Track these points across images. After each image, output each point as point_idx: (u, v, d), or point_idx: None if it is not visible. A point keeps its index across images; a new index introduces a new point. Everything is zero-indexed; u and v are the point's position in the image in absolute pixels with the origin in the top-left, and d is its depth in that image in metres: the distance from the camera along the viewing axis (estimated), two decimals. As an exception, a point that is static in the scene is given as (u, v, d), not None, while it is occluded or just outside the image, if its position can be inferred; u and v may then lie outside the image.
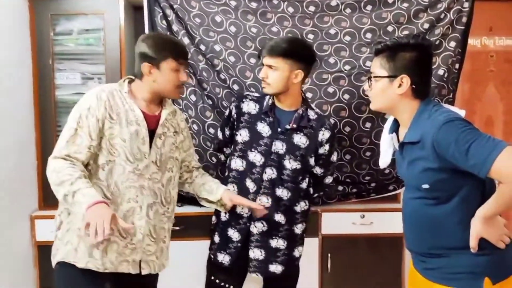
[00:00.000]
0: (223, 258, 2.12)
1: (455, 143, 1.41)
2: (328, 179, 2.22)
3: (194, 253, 2.58)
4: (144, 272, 1.85)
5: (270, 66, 1.97)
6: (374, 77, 1.60)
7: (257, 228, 2.06)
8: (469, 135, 1.41)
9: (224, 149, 2.25)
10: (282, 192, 2.06)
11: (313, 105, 2.20)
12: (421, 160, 1.53)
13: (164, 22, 2.49)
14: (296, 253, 2.15)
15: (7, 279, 2.36)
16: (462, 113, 1.57)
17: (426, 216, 1.58)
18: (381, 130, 2.48)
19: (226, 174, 2.15)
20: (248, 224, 2.07)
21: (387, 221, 2.70)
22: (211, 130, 2.51)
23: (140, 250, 1.82)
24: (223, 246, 2.12)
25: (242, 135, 2.07)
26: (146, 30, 2.52)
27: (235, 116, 2.10)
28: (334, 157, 2.18)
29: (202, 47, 2.48)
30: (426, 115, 1.54)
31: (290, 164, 2.03)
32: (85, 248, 1.74)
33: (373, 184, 2.68)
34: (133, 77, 1.87)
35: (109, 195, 1.76)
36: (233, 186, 2.09)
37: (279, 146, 2.03)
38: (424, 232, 1.60)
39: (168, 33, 2.49)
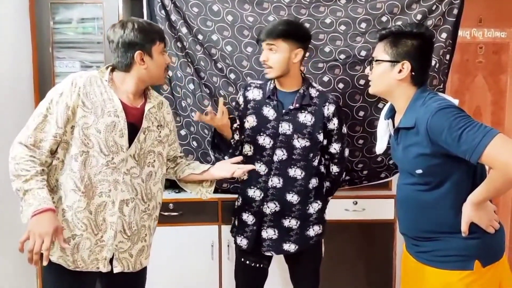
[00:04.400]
0: (241, 241, 2.18)
1: (448, 129, 1.44)
2: (346, 152, 2.24)
3: (191, 238, 2.64)
4: (116, 270, 1.75)
5: (270, 48, 2.01)
6: (376, 60, 1.64)
7: (269, 208, 2.11)
8: (462, 121, 1.44)
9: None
10: (295, 172, 2.10)
11: (314, 84, 2.22)
12: (415, 145, 1.57)
13: (162, 11, 2.52)
14: (310, 232, 2.17)
15: (9, 272, 2.40)
16: (455, 102, 1.61)
17: (418, 201, 1.62)
18: (374, 118, 2.57)
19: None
20: (261, 206, 2.12)
21: (379, 208, 2.75)
22: (209, 118, 2.56)
23: (112, 247, 1.73)
24: (240, 230, 2.19)
25: (250, 121, 2.12)
26: (145, 19, 2.55)
27: (242, 105, 2.17)
28: (344, 129, 2.20)
29: (200, 37, 2.52)
30: (421, 102, 1.57)
31: (299, 142, 2.08)
32: (57, 242, 1.62)
33: (365, 172, 2.73)
34: (114, 66, 1.77)
35: (82, 188, 1.67)
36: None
37: (285, 127, 2.08)
38: (416, 217, 1.64)
39: (167, 22, 2.52)
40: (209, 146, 2.24)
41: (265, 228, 2.14)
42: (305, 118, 2.08)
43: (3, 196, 2.32)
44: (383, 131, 1.84)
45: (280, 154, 2.09)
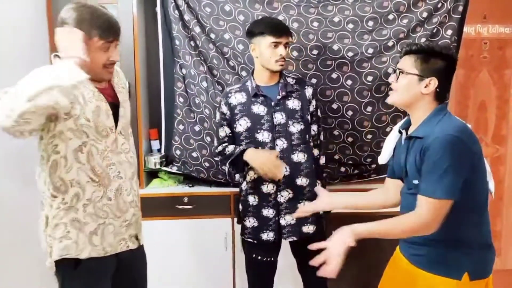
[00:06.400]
0: (268, 236, 2.23)
1: (435, 159, 1.54)
2: (322, 136, 2.35)
3: (205, 230, 2.71)
4: (142, 242, 1.86)
5: (286, 45, 2.16)
6: (406, 72, 1.70)
7: (283, 196, 2.20)
8: (449, 162, 1.53)
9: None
10: (298, 156, 2.20)
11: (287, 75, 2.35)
12: (418, 155, 1.64)
13: (176, 12, 2.59)
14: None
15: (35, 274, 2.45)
16: (468, 126, 1.69)
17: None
18: (382, 113, 2.63)
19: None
20: (276, 198, 2.21)
21: (387, 201, 2.83)
22: (221, 115, 2.63)
23: (135, 224, 1.82)
24: (263, 227, 2.23)
25: (242, 124, 2.19)
26: (159, 19, 2.63)
27: (228, 112, 2.22)
28: (319, 112, 2.34)
29: (212, 36, 2.59)
30: (437, 119, 1.65)
31: (295, 127, 2.19)
32: (85, 238, 1.68)
33: (373, 166, 2.78)
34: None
35: (96, 178, 1.67)
36: (253, 170, 2.17)
37: (279, 117, 2.18)
38: None
39: (180, 22, 2.59)
40: (227, 162, 2.21)
41: (282, 215, 2.21)
42: (293, 103, 2.21)
43: (24, 201, 2.32)
44: (391, 142, 1.91)
45: (280, 144, 2.18)
